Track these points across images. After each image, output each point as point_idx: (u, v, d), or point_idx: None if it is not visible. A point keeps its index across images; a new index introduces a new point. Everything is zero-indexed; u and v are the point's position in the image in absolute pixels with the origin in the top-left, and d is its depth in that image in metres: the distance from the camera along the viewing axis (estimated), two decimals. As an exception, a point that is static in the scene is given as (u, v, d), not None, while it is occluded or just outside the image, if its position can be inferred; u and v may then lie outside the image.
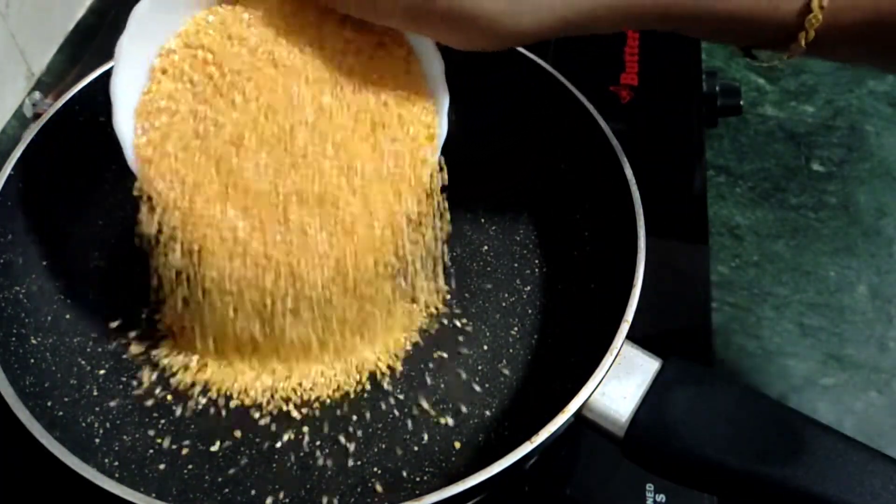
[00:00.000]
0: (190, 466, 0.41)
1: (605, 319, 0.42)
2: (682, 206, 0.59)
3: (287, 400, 0.44)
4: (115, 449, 0.41)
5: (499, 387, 0.45)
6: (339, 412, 0.44)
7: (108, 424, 0.42)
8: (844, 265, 0.63)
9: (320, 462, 0.42)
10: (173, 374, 0.44)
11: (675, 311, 0.53)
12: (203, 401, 0.44)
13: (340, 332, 0.42)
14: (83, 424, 0.41)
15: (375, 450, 0.43)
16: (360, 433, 0.43)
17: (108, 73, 0.49)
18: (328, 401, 0.44)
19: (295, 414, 0.43)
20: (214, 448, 0.42)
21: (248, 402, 0.44)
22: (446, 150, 0.42)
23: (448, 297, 0.48)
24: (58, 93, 0.62)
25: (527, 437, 0.37)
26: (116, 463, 0.40)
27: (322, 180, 0.38)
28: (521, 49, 0.52)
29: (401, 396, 0.44)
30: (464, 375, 0.46)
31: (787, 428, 0.37)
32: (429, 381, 0.45)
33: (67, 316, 0.45)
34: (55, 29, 0.67)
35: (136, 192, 0.39)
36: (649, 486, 0.45)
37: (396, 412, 0.44)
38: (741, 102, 0.65)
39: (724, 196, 0.66)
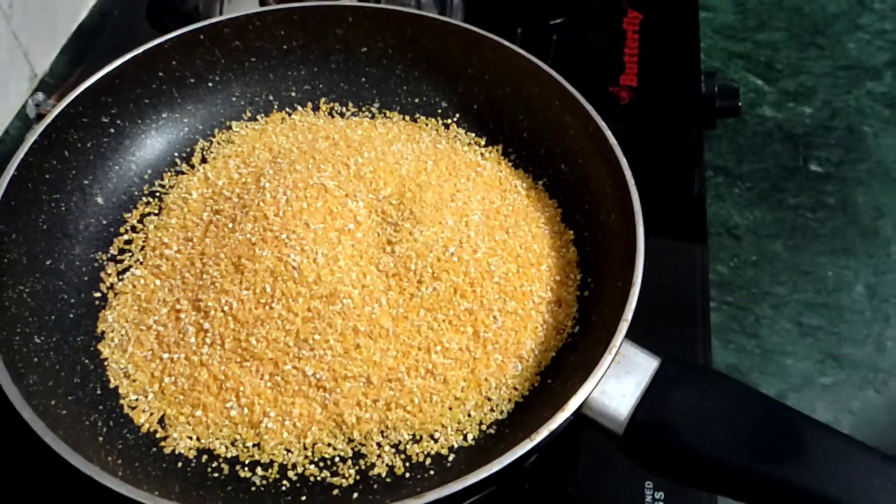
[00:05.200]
0: (193, 464, 0.41)
1: (604, 319, 0.43)
2: (682, 206, 0.59)
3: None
4: (119, 447, 0.41)
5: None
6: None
7: (111, 423, 0.42)
8: (842, 265, 0.63)
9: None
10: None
11: (675, 310, 0.53)
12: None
13: None
14: (87, 423, 0.41)
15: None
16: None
17: (111, 74, 0.50)
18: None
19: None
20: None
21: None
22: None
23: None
24: (61, 94, 0.62)
25: (526, 435, 0.37)
26: (120, 461, 0.40)
27: None
28: (521, 50, 0.52)
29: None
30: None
31: (785, 427, 0.38)
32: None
33: (71, 315, 0.45)
34: (58, 29, 0.67)
35: None
36: (648, 484, 0.45)
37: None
38: (739, 103, 0.65)
39: (723, 196, 0.67)
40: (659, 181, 0.57)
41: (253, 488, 0.41)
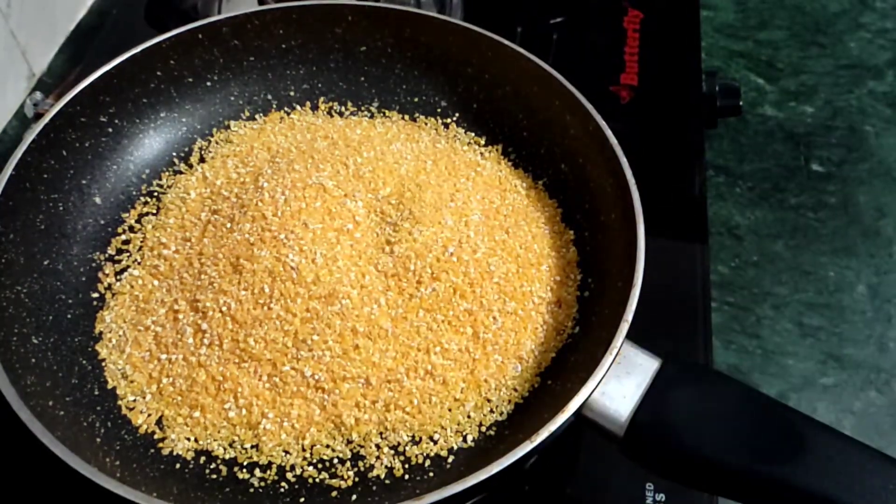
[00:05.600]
0: (191, 466, 0.41)
1: (604, 319, 0.43)
2: (682, 206, 0.59)
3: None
4: (117, 448, 0.41)
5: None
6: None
7: (109, 424, 0.42)
8: (844, 265, 0.63)
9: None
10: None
11: (675, 311, 0.53)
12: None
13: None
14: (85, 424, 0.41)
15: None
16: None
17: (109, 74, 0.49)
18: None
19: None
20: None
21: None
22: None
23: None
24: (59, 93, 0.62)
25: (526, 436, 0.37)
26: (118, 462, 0.40)
27: None
28: (521, 49, 0.52)
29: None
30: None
31: (786, 427, 0.37)
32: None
33: (68, 315, 0.45)
34: (57, 29, 0.67)
35: None
36: (649, 486, 0.45)
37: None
38: (741, 103, 0.65)
39: (724, 196, 0.67)
40: (660, 181, 0.57)
41: (251, 490, 0.40)
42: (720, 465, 0.37)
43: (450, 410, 0.43)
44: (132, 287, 0.46)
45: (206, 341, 0.43)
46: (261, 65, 0.55)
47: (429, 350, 0.43)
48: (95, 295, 0.47)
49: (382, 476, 0.41)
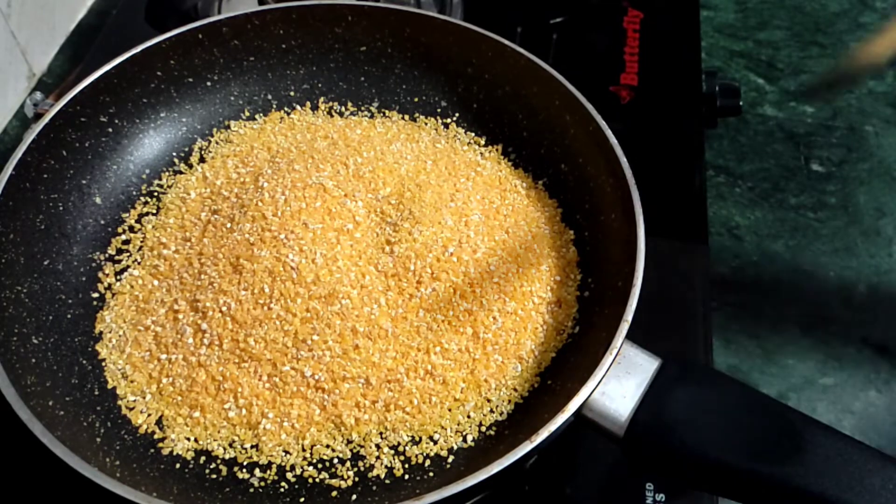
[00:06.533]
0: (191, 466, 0.41)
1: (604, 319, 0.43)
2: (682, 206, 0.59)
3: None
4: (117, 448, 0.41)
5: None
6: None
7: (109, 424, 0.42)
8: (844, 265, 0.63)
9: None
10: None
11: (676, 310, 0.53)
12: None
13: None
14: (84, 424, 0.41)
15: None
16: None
17: (109, 74, 0.49)
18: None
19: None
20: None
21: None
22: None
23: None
24: (59, 93, 0.62)
25: (526, 436, 0.37)
26: (118, 462, 0.40)
27: None
28: (520, 49, 0.52)
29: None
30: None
31: (786, 427, 0.37)
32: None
33: (69, 315, 0.45)
34: (57, 29, 0.67)
35: None
36: (649, 486, 0.45)
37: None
38: (741, 103, 0.65)
39: (724, 196, 0.67)
40: (659, 181, 0.57)
41: (251, 490, 0.40)
42: (720, 464, 0.37)
43: (450, 410, 0.43)
44: (132, 287, 0.47)
45: (206, 341, 0.43)
46: (261, 65, 0.55)
47: (429, 350, 0.43)
48: (95, 295, 0.47)
49: (382, 476, 0.41)
